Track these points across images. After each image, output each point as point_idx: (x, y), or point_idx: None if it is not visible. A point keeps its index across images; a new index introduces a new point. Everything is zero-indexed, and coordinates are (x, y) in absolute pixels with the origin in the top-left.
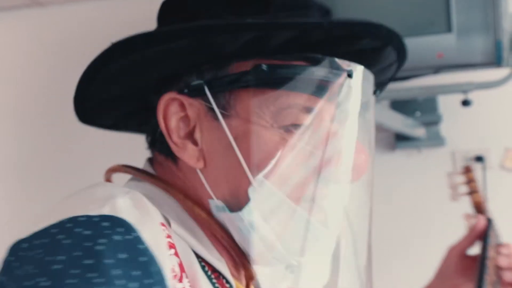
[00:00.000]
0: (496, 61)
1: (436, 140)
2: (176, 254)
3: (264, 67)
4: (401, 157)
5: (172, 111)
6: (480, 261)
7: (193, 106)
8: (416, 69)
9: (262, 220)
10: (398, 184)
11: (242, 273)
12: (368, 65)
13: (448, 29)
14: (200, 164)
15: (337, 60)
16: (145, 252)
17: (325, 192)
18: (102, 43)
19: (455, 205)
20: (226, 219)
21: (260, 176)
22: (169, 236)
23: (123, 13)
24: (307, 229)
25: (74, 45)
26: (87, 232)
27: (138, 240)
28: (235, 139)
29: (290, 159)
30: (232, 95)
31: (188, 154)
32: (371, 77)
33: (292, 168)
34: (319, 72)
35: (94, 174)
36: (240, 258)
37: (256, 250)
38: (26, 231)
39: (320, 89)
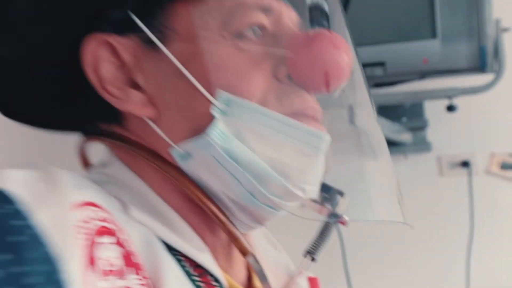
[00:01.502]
0: (480, 66)
1: (422, 146)
2: (118, 243)
3: None
4: None
5: (102, 58)
6: None
7: (126, 45)
8: (402, 75)
9: (241, 142)
10: None
11: (234, 256)
12: None
13: (433, 35)
14: (150, 111)
15: None
16: (22, 231)
17: (306, 103)
18: None
19: (441, 209)
20: (196, 167)
21: (223, 92)
22: (104, 220)
23: None
24: (312, 146)
25: None
26: None
27: (15, 215)
28: (184, 65)
29: (251, 74)
30: (166, 15)
31: (133, 103)
32: None
33: (257, 83)
34: None
35: None
36: (227, 229)
37: (245, 192)
38: None
39: None
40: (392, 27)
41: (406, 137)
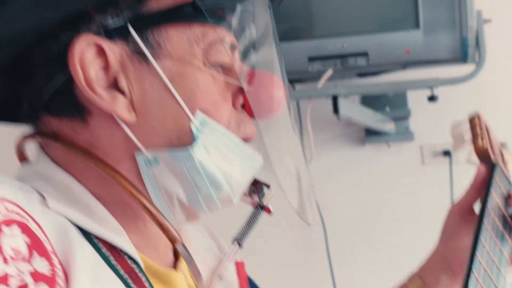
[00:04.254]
0: (462, 57)
1: (405, 135)
2: (26, 232)
3: None
4: (371, 152)
5: (89, 58)
6: (480, 210)
7: (114, 50)
8: (385, 65)
9: (209, 157)
10: (368, 178)
11: (161, 243)
12: None
13: (416, 25)
14: (131, 116)
15: None
16: None
17: (253, 130)
18: None
19: (423, 197)
20: (159, 172)
21: (200, 113)
22: (13, 212)
23: None
24: (251, 166)
25: None
26: None
27: None
28: (171, 82)
29: (222, 101)
30: (160, 33)
31: (117, 105)
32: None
33: (225, 109)
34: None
35: None
36: (157, 221)
37: (197, 196)
38: None
39: (242, 20)
40: (376, 18)
41: (389, 126)
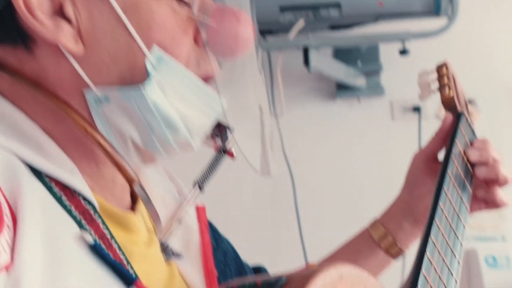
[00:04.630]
0: (434, 10)
1: (376, 90)
2: None
3: None
4: (341, 106)
5: None
6: (444, 158)
7: None
8: (357, 17)
9: (164, 97)
10: (338, 132)
11: (117, 184)
12: None
13: None
14: (78, 47)
15: None
16: None
17: (215, 69)
18: None
19: (392, 153)
20: (109, 111)
21: (157, 48)
22: None
23: None
24: (212, 108)
25: None
26: None
27: None
28: (123, 10)
29: (181, 35)
30: None
31: (62, 34)
32: None
33: (184, 45)
34: None
35: None
36: (113, 160)
37: (152, 139)
38: None
39: None
40: None
41: (360, 81)
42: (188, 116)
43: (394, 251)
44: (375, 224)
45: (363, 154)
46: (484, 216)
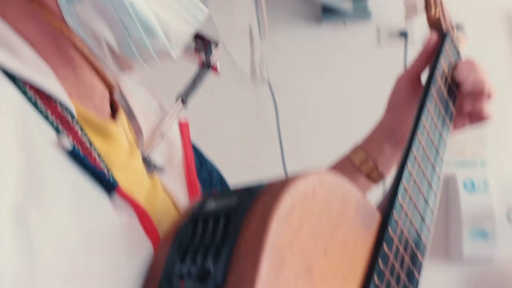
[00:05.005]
0: None
1: (363, 14)
2: None
3: None
4: (327, 31)
5: None
6: (428, 76)
7: None
8: None
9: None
10: (324, 57)
11: (97, 91)
12: None
13: None
14: None
15: None
16: None
17: None
18: None
19: (376, 79)
20: (83, 11)
21: None
22: None
23: None
24: (194, 17)
25: None
26: None
27: None
28: None
29: None
30: None
31: None
32: None
33: None
34: None
35: None
36: (91, 62)
37: (129, 42)
38: None
39: None
40: None
41: (347, 4)
42: (168, 22)
43: (375, 176)
44: (355, 149)
45: (348, 79)
46: (464, 139)
